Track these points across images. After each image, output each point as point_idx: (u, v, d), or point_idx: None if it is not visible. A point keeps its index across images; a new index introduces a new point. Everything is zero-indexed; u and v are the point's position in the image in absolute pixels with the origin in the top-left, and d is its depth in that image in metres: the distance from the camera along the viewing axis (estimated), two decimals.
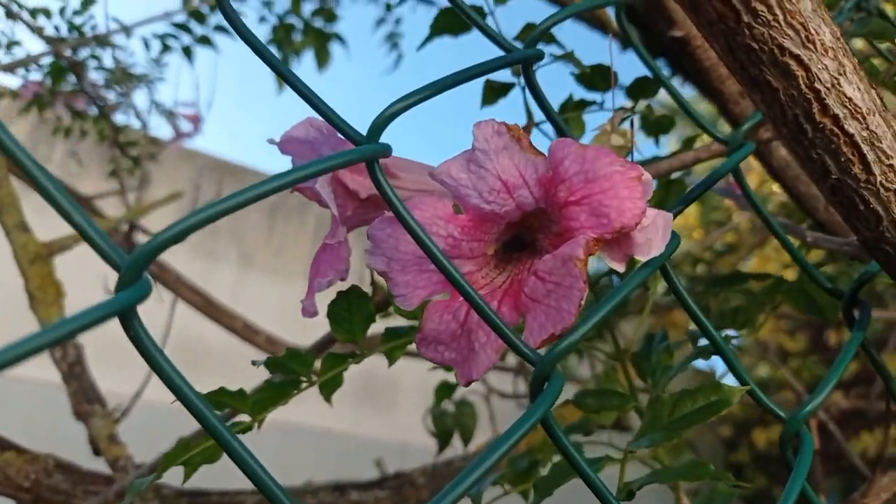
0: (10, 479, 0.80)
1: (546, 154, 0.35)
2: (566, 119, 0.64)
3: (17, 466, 0.81)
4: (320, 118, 0.44)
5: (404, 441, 3.49)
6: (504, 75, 0.67)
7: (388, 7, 1.37)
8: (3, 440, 0.82)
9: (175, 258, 2.05)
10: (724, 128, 0.73)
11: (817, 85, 0.31)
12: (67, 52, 1.26)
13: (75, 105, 2.02)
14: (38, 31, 1.32)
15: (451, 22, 0.64)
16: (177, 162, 3.30)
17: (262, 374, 0.56)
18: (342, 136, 0.43)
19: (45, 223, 1.11)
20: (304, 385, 0.50)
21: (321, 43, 1.34)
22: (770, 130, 0.52)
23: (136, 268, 0.25)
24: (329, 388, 0.53)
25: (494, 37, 0.40)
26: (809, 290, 0.67)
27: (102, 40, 1.22)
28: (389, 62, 1.45)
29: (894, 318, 1.87)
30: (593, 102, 0.63)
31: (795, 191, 0.60)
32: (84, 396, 0.89)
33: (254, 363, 0.44)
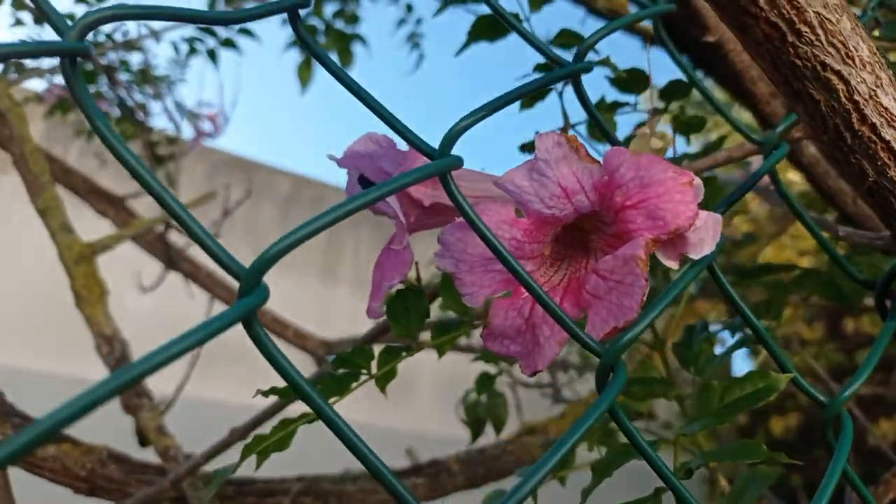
0: (68, 469, 0.84)
1: (600, 161, 0.38)
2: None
3: (73, 457, 0.85)
4: (378, 133, 0.47)
5: (420, 430, 3.52)
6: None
7: (409, 8, 1.40)
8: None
9: (191, 251, 2.09)
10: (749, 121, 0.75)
11: (856, 97, 0.34)
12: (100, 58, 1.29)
13: (99, 107, 2.05)
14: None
15: (488, 28, 0.67)
16: (204, 161, 3.35)
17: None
18: (401, 149, 0.46)
19: (81, 225, 1.15)
20: (363, 377, 0.53)
21: (343, 45, 1.37)
22: (801, 130, 0.55)
23: (255, 276, 0.28)
24: (384, 381, 0.56)
25: (543, 50, 0.43)
26: (835, 279, 0.70)
27: (132, 45, 1.25)
28: (411, 62, 1.48)
29: None
30: (626, 104, 0.66)
31: (824, 186, 0.63)
32: (132, 391, 0.93)
33: (325, 358, 0.47)
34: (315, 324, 1.87)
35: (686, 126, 0.64)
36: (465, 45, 0.68)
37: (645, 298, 0.34)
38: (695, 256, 0.36)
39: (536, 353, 0.39)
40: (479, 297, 0.40)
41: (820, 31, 0.32)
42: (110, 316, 0.98)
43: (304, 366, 1.68)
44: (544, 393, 1.55)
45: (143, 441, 1.02)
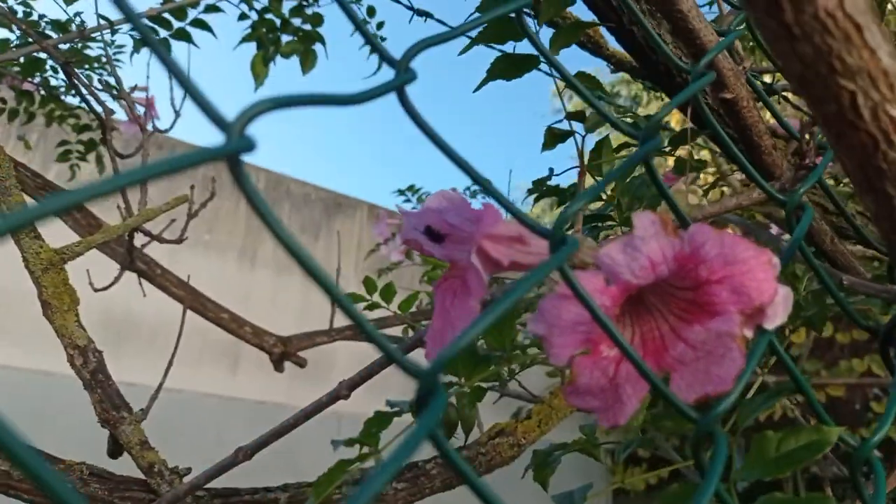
0: None
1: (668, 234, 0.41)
2: (602, 163, 0.71)
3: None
4: (450, 191, 0.49)
5: (336, 410, 3.53)
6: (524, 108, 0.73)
7: (372, 10, 1.39)
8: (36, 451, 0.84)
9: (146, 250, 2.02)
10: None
11: None
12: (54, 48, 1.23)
13: (20, 86, 1.94)
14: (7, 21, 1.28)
15: (510, 66, 0.69)
16: (124, 139, 3.21)
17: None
18: (473, 207, 0.48)
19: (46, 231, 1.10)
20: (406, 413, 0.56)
21: (307, 46, 1.35)
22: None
23: (433, 378, 0.29)
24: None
25: (620, 127, 0.47)
26: (805, 306, 0.77)
27: (88, 36, 1.20)
28: (372, 63, 1.47)
29: None
30: (634, 145, 0.70)
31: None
32: (110, 403, 0.91)
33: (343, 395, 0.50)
34: (235, 305, 1.84)
35: (692, 169, 0.68)
36: (483, 83, 0.70)
37: (742, 373, 0.38)
38: (769, 327, 0.41)
39: (617, 409, 0.43)
40: (563, 356, 0.43)
41: None
42: (83, 325, 0.95)
43: (264, 362, 1.65)
44: (492, 386, 1.60)
45: (114, 452, 1.00)
